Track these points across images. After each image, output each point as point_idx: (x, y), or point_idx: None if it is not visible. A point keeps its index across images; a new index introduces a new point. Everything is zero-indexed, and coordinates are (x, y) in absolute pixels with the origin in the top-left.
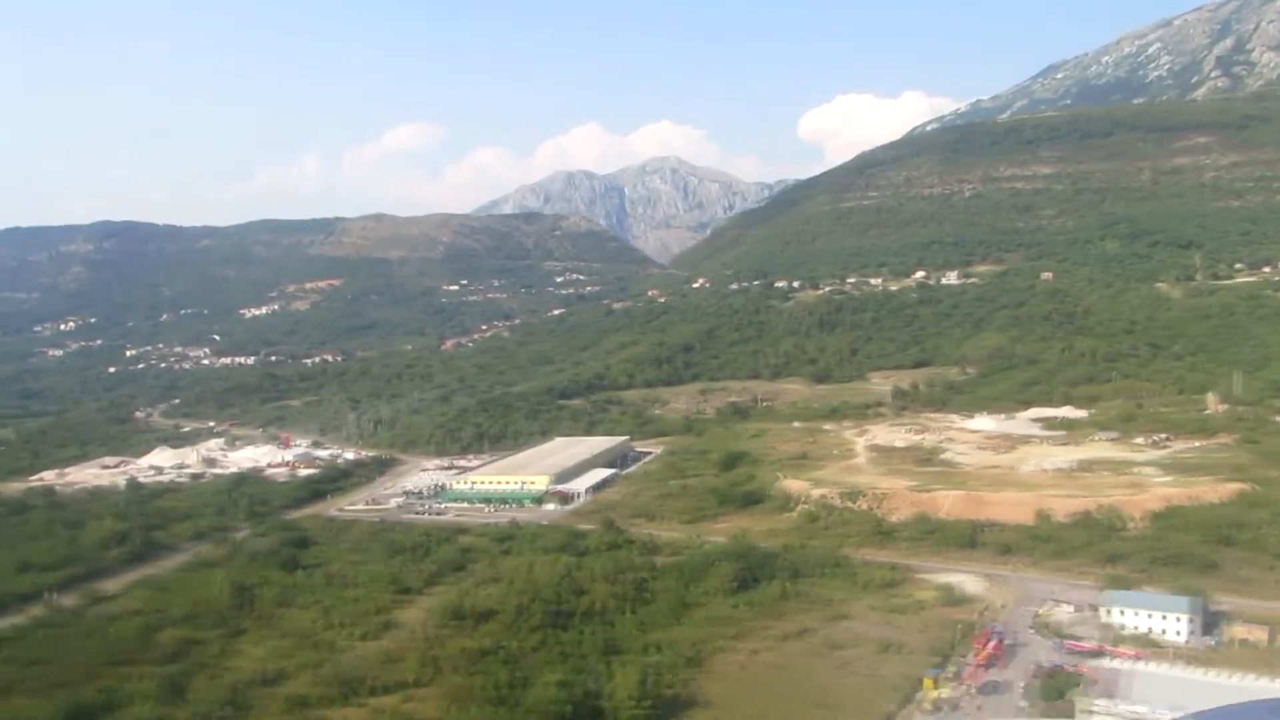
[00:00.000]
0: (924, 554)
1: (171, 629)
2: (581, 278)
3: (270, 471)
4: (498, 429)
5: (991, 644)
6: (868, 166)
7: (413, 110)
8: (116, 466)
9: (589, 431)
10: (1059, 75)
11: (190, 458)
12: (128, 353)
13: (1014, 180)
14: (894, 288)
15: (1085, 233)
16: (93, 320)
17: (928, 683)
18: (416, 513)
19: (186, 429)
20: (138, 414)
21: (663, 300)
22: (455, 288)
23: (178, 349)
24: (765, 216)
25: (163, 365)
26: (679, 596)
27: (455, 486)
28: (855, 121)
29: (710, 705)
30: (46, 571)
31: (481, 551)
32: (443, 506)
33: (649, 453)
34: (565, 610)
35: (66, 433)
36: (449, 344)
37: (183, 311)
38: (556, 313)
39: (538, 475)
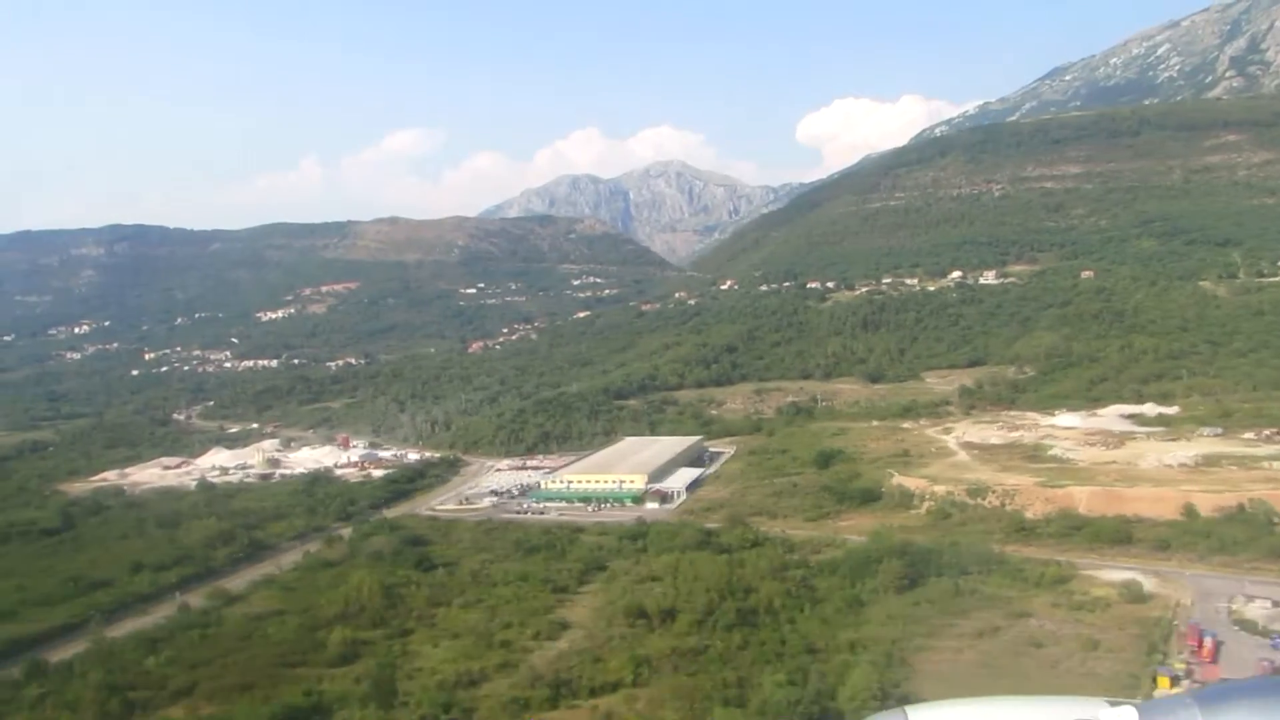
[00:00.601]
0: (1074, 551)
1: (331, 629)
2: (599, 280)
3: (340, 472)
4: (560, 429)
5: (1208, 641)
6: (892, 167)
7: (413, 115)
8: (178, 467)
9: (651, 431)
10: (1067, 77)
11: (253, 458)
12: (146, 356)
13: (1043, 180)
14: (932, 288)
15: (1119, 231)
16: (107, 324)
17: (1163, 681)
18: (516, 512)
19: (233, 430)
20: (176, 416)
21: (692, 302)
22: (473, 291)
23: (197, 352)
24: (786, 219)
25: (185, 368)
26: (849, 594)
27: (549, 486)
28: (854, 125)
29: None
30: (160, 571)
31: (613, 550)
32: (541, 505)
33: (721, 452)
34: (745, 608)
35: (110, 434)
36: (475, 346)
37: (197, 315)
38: (581, 315)
39: (632, 474)
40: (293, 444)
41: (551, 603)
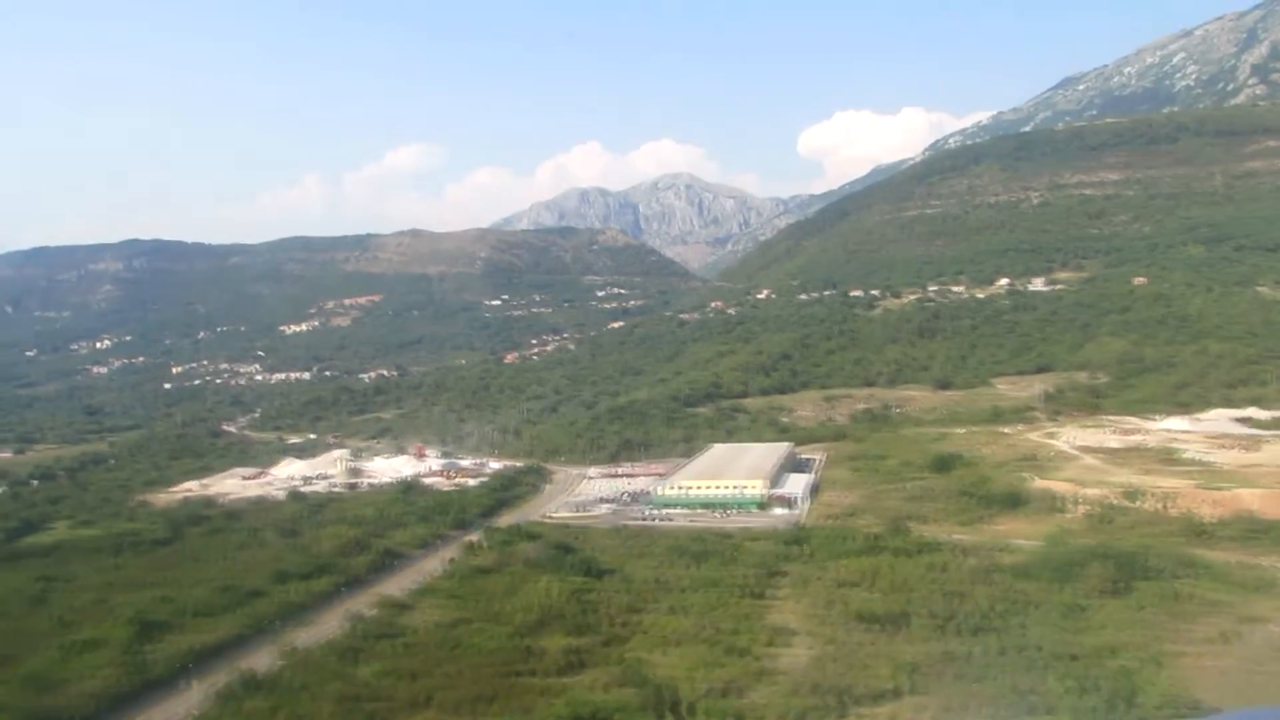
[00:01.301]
0: (1262, 554)
1: (540, 637)
2: (623, 291)
3: (428, 481)
4: (639, 437)
5: None
6: (925, 175)
7: (415, 131)
8: (255, 477)
9: (728, 438)
10: (1080, 87)
11: (331, 468)
12: (174, 370)
13: (1081, 187)
14: (981, 295)
15: (1165, 238)
16: (129, 338)
17: None
18: (640, 519)
19: (295, 441)
20: (226, 428)
21: (732, 311)
22: (497, 303)
23: (224, 365)
24: (817, 228)
25: (218, 381)
26: (1064, 599)
27: (665, 492)
28: (855, 138)
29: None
30: (307, 580)
31: (777, 556)
32: (662, 512)
33: (811, 459)
34: (977, 612)
35: (171, 447)
36: (510, 357)
37: (219, 329)
38: (615, 325)
39: (748, 480)
40: (363, 454)
41: (755, 609)
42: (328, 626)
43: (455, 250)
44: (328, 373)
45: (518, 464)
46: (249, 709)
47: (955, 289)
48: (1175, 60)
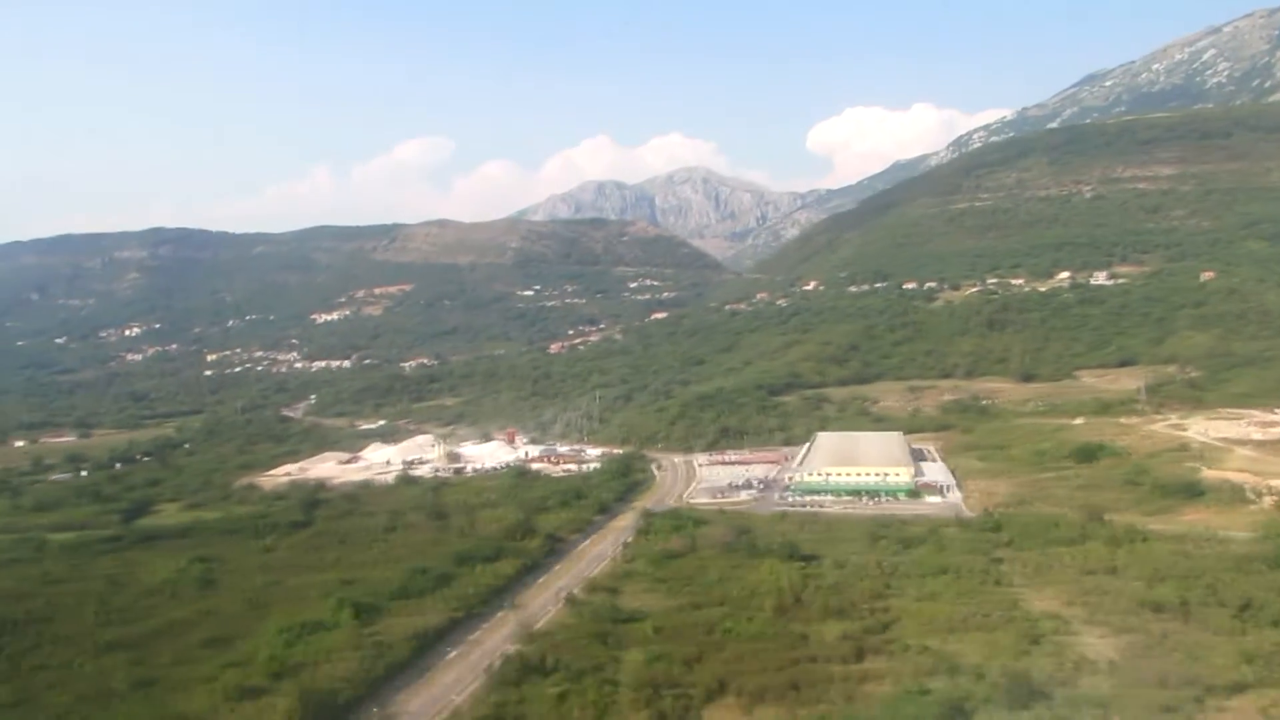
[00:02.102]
0: None
1: (800, 623)
2: (655, 283)
3: (536, 467)
4: (736, 424)
5: None
6: (971, 169)
7: (423, 124)
8: (350, 461)
9: (823, 427)
10: (1107, 83)
11: (427, 452)
12: (208, 357)
13: (1135, 181)
14: (1043, 289)
15: (1225, 233)
16: (157, 326)
17: None
18: (789, 505)
19: (367, 427)
20: (287, 413)
21: (782, 303)
22: (530, 293)
23: (258, 353)
24: (857, 221)
25: (258, 369)
26: None
27: (805, 479)
28: (865, 134)
29: None
30: (489, 563)
31: (974, 542)
32: (814, 498)
33: (923, 448)
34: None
35: (239, 431)
36: (555, 347)
37: (248, 317)
38: (658, 316)
39: (890, 467)
40: (448, 440)
41: (1005, 596)
42: (539, 609)
43: (485, 240)
44: (367, 361)
45: (616, 451)
46: (531, 695)
47: (1014, 282)
48: (1206, 57)
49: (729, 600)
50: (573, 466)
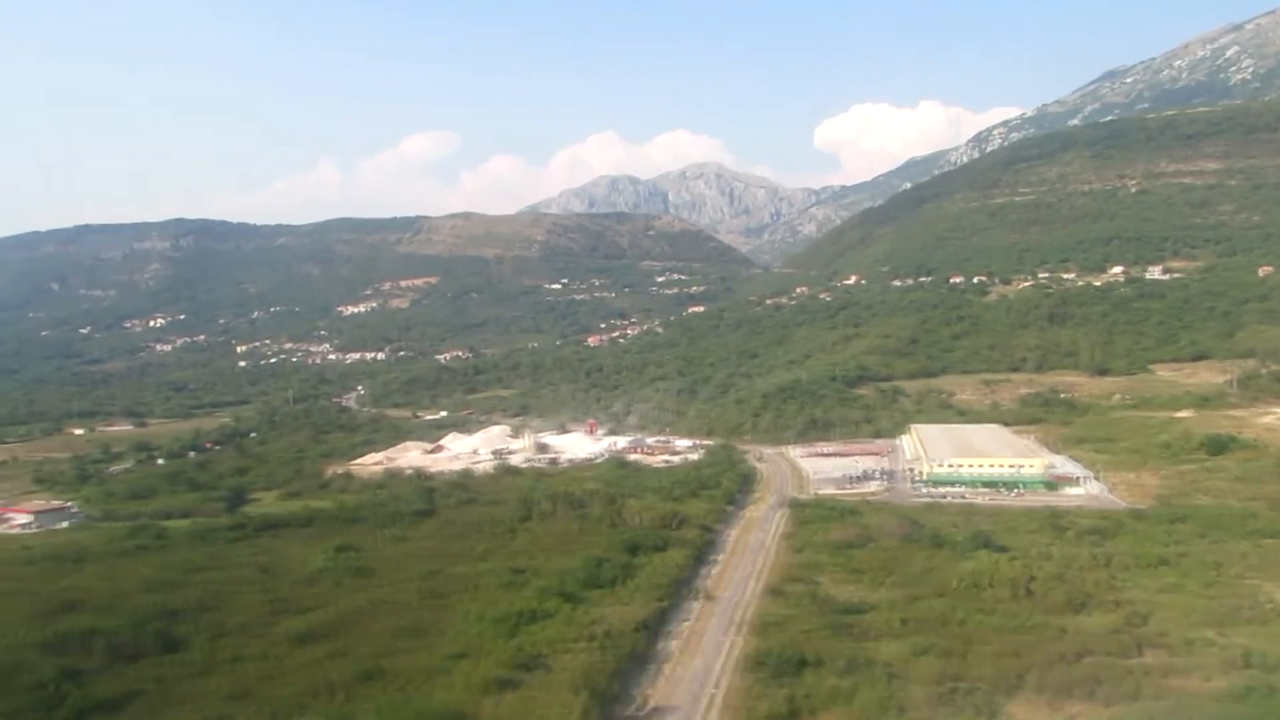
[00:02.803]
0: None
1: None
2: (683, 278)
3: (633, 458)
4: (821, 416)
5: None
6: (1010, 163)
7: (430, 118)
8: (434, 450)
9: (911, 418)
10: (1128, 80)
11: (512, 443)
12: (238, 348)
13: (1180, 176)
14: (1098, 283)
15: (1276, 227)
16: (182, 317)
17: None
18: (929, 496)
19: (430, 417)
20: (340, 403)
21: (825, 297)
22: (557, 286)
23: (288, 345)
24: (888, 216)
25: (293, 360)
26: None
27: (933, 470)
28: (872, 131)
29: None
30: (659, 553)
31: (1161, 534)
32: (953, 489)
33: (1020, 442)
34: None
35: (304, 421)
36: (594, 340)
37: (272, 308)
38: (696, 310)
39: (1021, 459)
40: (522, 430)
41: (1247, 587)
42: (735, 599)
43: (511, 233)
44: (401, 353)
45: (703, 442)
46: (812, 688)
47: (1066, 276)
48: (1229, 54)
49: (948, 592)
50: (671, 458)
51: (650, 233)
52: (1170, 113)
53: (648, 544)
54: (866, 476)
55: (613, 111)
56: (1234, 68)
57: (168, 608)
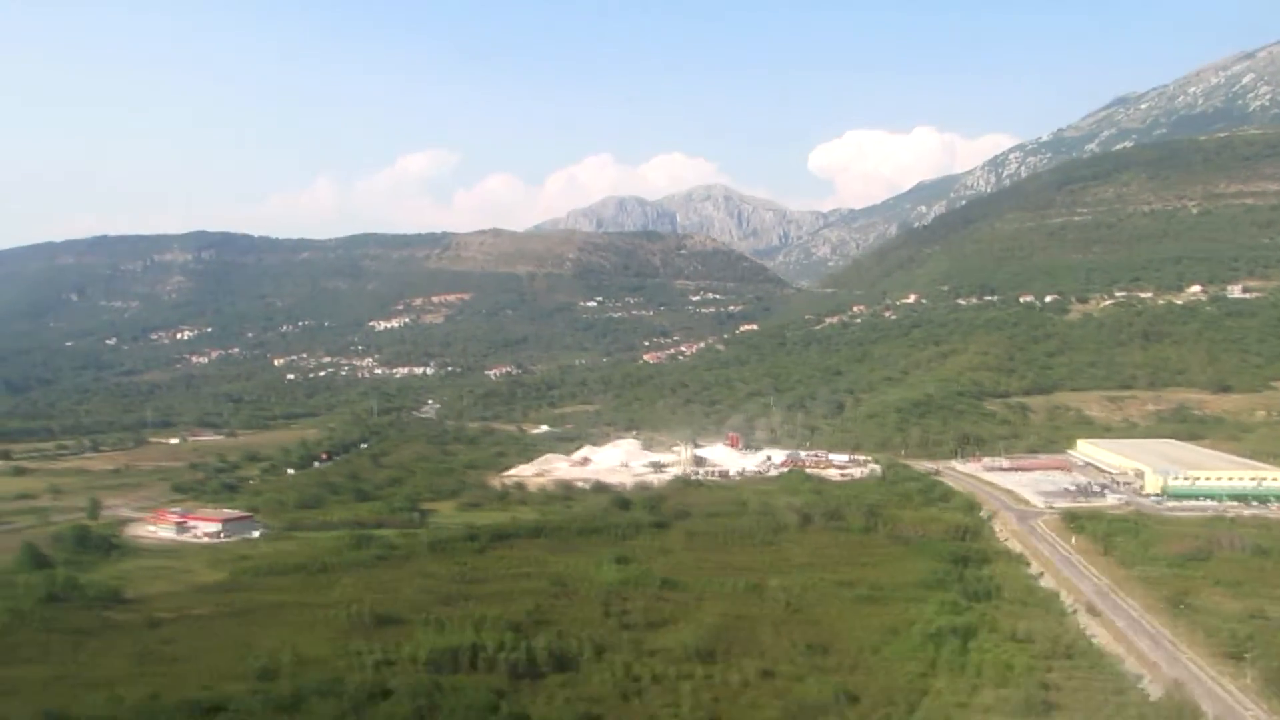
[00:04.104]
0: None
1: None
2: (718, 297)
3: (811, 472)
4: (972, 430)
5: None
6: (1064, 184)
7: (425, 137)
8: (581, 464)
9: (1054, 435)
10: (1143, 106)
11: (664, 456)
12: (275, 361)
13: (1242, 197)
14: (1179, 301)
15: None
16: (209, 330)
17: None
18: (1187, 509)
19: (536, 431)
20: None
21: (890, 315)
22: (593, 304)
23: (325, 359)
24: (937, 236)
25: (342, 373)
26: None
27: (1170, 483)
28: (866, 156)
29: None
30: (986, 565)
31: None
32: (1194, 503)
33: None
34: None
35: (412, 432)
36: (652, 357)
37: (300, 323)
38: (749, 328)
39: (1266, 471)
40: (654, 445)
41: None
42: (1137, 615)
43: (543, 250)
44: (448, 368)
45: (860, 457)
46: None
47: (1142, 295)
48: (1245, 80)
49: None
50: (852, 471)
51: (682, 251)
52: (1221, 134)
53: (975, 558)
54: (1086, 490)
55: (608, 133)
56: (1251, 94)
57: (509, 620)
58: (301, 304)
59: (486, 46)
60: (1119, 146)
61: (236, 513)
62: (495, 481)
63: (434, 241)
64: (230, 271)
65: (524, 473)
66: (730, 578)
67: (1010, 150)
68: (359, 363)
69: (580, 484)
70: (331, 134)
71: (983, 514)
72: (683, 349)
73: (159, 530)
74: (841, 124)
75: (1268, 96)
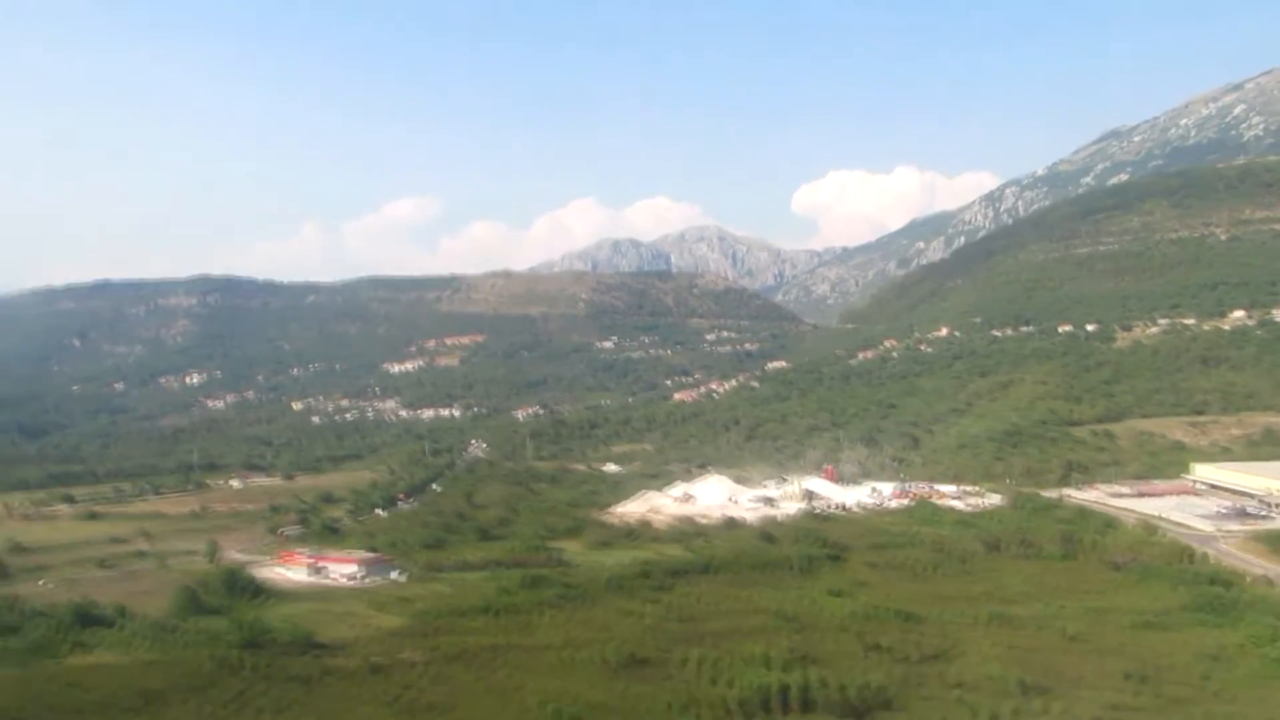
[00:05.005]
0: None
1: None
2: (734, 335)
3: (940, 504)
4: (1076, 458)
5: None
6: (1086, 214)
7: (409, 183)
8: (685, 500)
9: (1154, 461)
10: (1135, 138)
11: (772, 491)
12: (294, 405)
13: (1269, 223)
14: (1225, 327)
15: None
16: (219, 373)
17: None
18: None
19: (607, 469)
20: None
21: (927, 349)
22: (609, 344)
23: (344, 401)
24: (958, 270)
25: (369, 415)
26: None
27: None
28: (848, 196)
29: None
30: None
31: None
32: None
33: None
34: None
35: (478, 474)
36: (684, 395)
37: (311, 366)
38: (777, 365)
39: None
40: (747, 481)
41: None
42: None
43: (555, 291)
44: (474, 409)
45: (970, 488)
46: None
47: (1186, 321)
48: (1236, 112)
49: None
50: (978, 501)
51: (695, 290)
52: (1240, 162)
53: (1209, 579)
54: (1242, 512)
55: (592, 177)
56: (1244, 124)
57: (775, 658)
58: (311, 347)
59: (469, 93)
60: (1116, 179)
61: (370, 554)
62: (610, 519)
63: (443, 284)
64: (236, 315)
65: (632, 510)
66: (959, 607)
67: (1005, 185)
68: (381, 405)
69: (701, 519)
70: (317, 180)
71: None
72: (712, 386)
73: (289, 572)
74: (824, 164)
75: (1260, 126)
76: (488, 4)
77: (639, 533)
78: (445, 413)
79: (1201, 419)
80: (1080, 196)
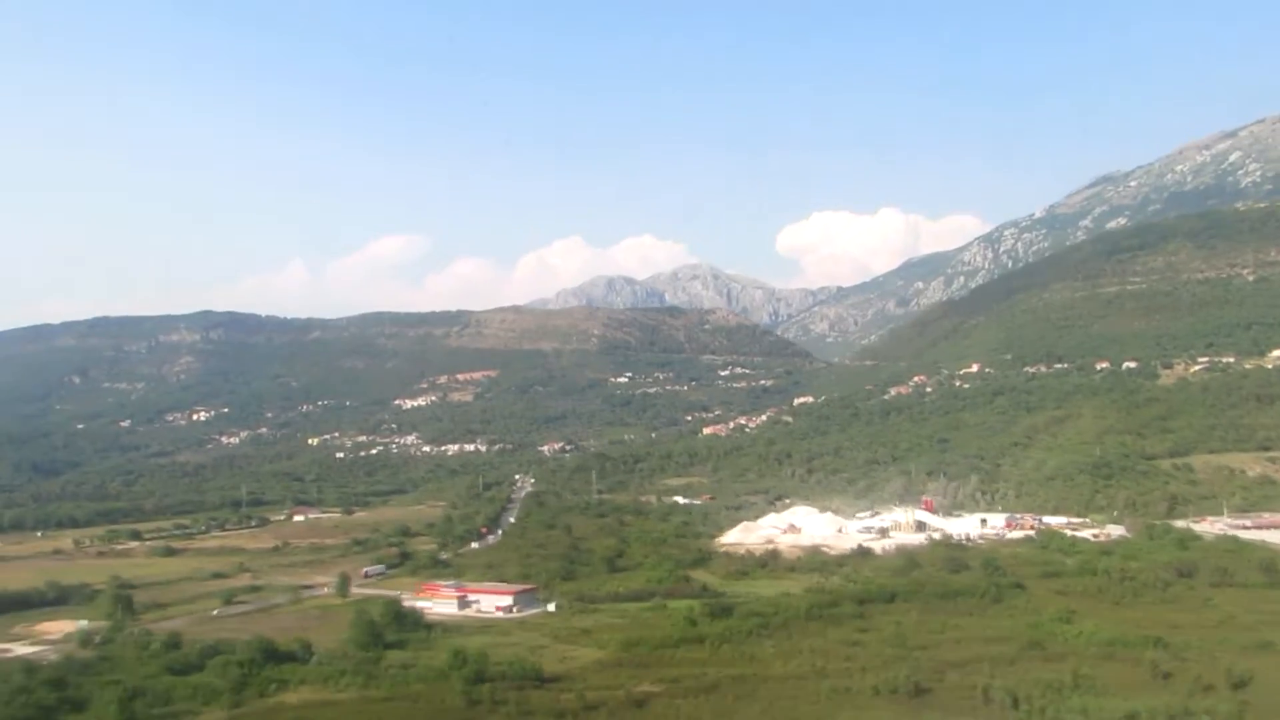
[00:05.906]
0: None
1: None
2: (746, 371)
3: (1071, 534)
4: (1177, 492)
5: None
6: (1112, 253)
7: (394, 221)
8: (788, 531)
9: (1245, 495)
10: (1131, 183)
11: (887, 521)
12: (310, 441)
13: None
14: (1268, 365)
15: None
16: (225, 410)
17: None
18: None
19: (687, 502)
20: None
21: (962, 385)
22: (623, 380)
23: (360, 438)
24: (978, 308)
25: (394, 450)
26: None
27: None
28: (832, 237)
29: None
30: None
31: None
32: None
33: None
34: None
35: (546, 509)
36: (714, 430)
37: (319, 402)
38: (803, 401)
39: None
40: (827, 512)
41: None
42: None
43: (566, 327)
44: (497, 445)
45: (1075, 520)
46: None
47: (1226, 360)
48: (1232, 159)
49: None
50: (1097, 531)
51: (706, 326)
52: (1262, 205)
53: None
54: None
55: (578, 216)
56: (1241, 171)
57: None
58: (319, 383)
59: (454, 133)
60: (1115, 222)
61: (519, 586)
62: (728, 549)
63: (451, 319)
64: (240, 351)
65: (742, 540)
66: (1202, 635)
67: (1004, 227)
68: (401, 440)
69: (827, 549)
70: (303, 218)
71: None
72: (742, 421)
73: (434, 605)
74: (808, 205)
75: (1258, 173)
76: (470, 41)
77: (769, 562)
78: (469, 448)
79: (1273, 454)
80: (1101, 236)
